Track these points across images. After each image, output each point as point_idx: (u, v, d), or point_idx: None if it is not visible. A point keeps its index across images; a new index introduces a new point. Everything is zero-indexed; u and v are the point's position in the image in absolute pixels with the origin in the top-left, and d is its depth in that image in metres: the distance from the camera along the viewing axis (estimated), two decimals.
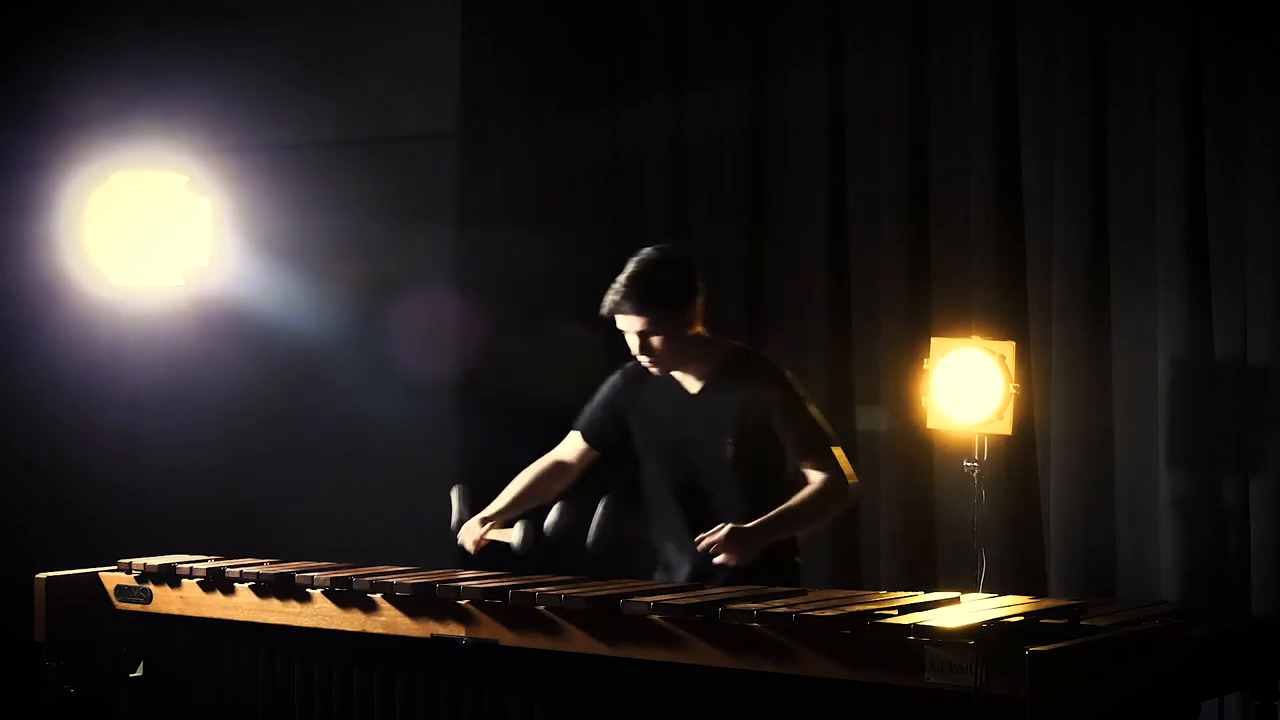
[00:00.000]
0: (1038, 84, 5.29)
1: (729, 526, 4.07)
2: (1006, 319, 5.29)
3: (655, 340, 4.22)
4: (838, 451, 4.23)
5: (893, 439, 5.51)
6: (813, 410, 4.25)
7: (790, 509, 4.15)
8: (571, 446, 4.51)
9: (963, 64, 5.44)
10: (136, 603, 4.51)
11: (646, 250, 4.29)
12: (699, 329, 4.28)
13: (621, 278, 4.22)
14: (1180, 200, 4.99)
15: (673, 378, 4.32)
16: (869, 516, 5.58)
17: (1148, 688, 3.47)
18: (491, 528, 4.39)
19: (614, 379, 4.45)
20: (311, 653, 4.22)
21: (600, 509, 4.21)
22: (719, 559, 4.08)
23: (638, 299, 4.19)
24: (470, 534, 4.40)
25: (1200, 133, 4.97)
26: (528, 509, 4.45)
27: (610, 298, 4.21)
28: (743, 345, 4.38)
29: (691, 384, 4.31)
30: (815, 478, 4.19)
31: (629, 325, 4.23)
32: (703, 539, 4.08)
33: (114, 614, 4.54)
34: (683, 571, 4.31)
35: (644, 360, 4.26)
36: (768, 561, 4.16)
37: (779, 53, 5.80)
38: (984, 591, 4.66)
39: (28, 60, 6.17)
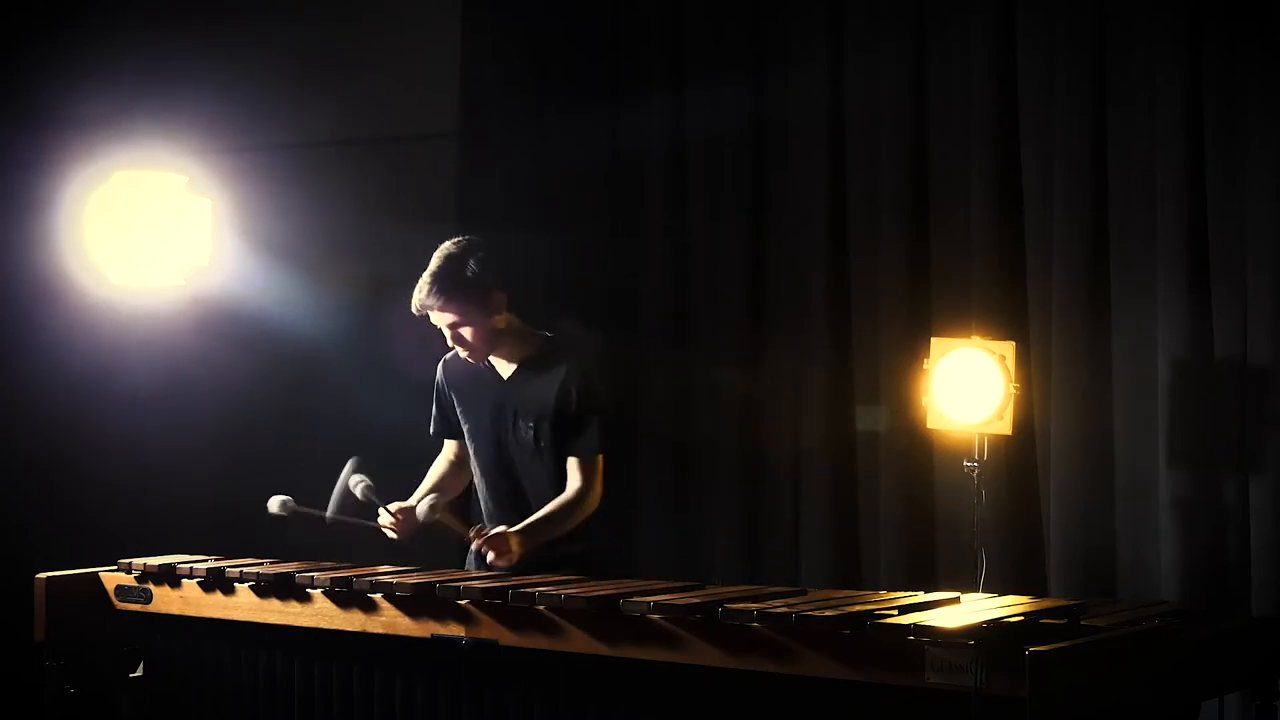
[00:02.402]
0: (1038, 84, 5.29)
1: (496, 531, 4.29)
2: (1006, 319, 5.28)
3: (466, 331, 4.43)
4: (599, 461, 4.43)
5: (893, 439, 5.51)
6: (600, 414, 4.44)
7: (546, 516, 4.38)
8: (446, 449, 4.76)
9: (963, 64, 5.44)
10: (136, 603, 4.51)
11: (444, 245, 4.49)
12: (507, 316, 4.48)
13: (425, 276, 4.42)
14: (1180, 200, 4.99)
15: (490, 362, 4.54)
16: (869, 516, 5.59)
17: (1148, 688, 3.48)
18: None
19: (437, 376, 4.68)
20: (311, 653, 4.22)
21: (347, 472, 4.47)
22: (490, 559, 4.29)
23: (442, 294, 4.39)
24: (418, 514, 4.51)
25: (1200, 133, 4.97)
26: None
27: (417, 297, 4.42)
28: (554, 337, 4.57)
29: (505, 368, 4.54)
30: (573, 483, 4.41)
31: (439, 321, 4.44)
32: (476, 540, 4.31)
33: (114, 614, 4.55)
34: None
35: (461, 352, 4.49)
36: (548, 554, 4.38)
37: (779, 53, 5.80)
38: (984, 591, 4.66)
39: (28, 60, 6.17)
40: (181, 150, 5.63)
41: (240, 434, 6.37)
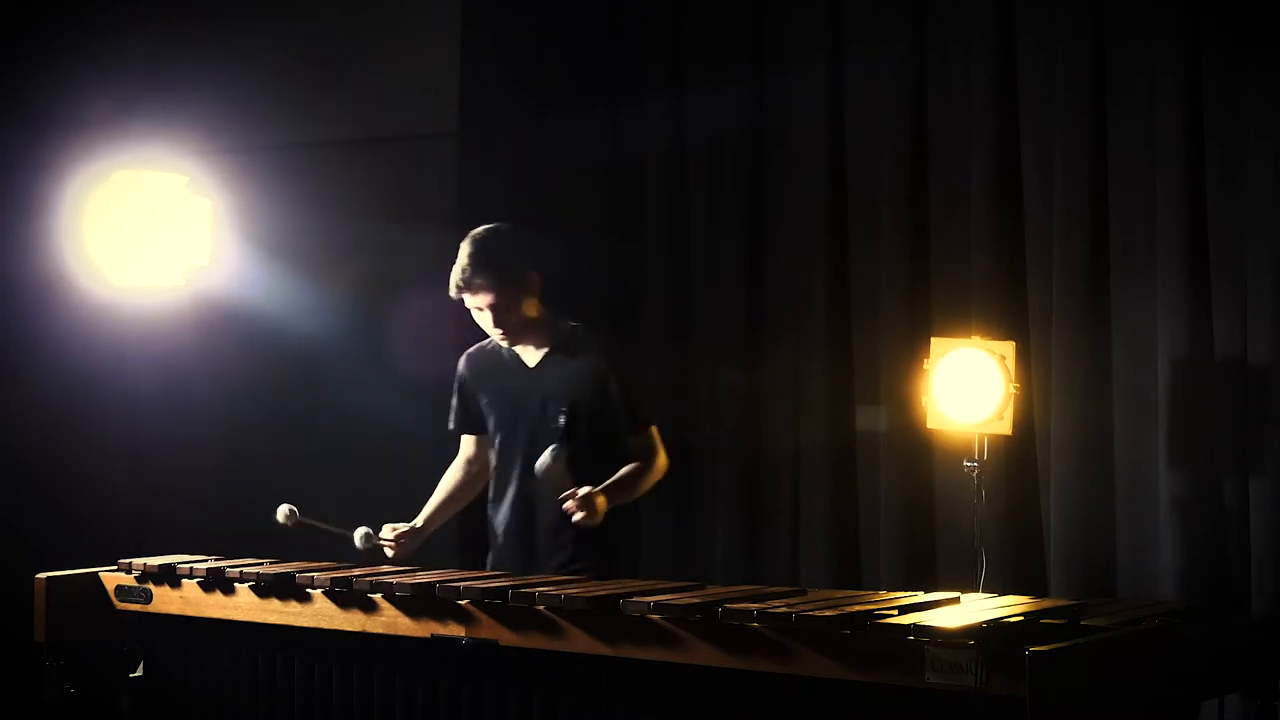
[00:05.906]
0: (1038, 84, 5.28)
1: (586, 489, 4.34)
2: (1006, 319, 5.28)
3: (503, 313, 4.49)
4: (655, 431, 4.59)
5: (893, 439, 5.51)
6: (640, 389, 4.60)
7: (624, 478, 4.48)
8: (464, 447, 4.80)
9: (963, 64, 5.44)
10: (136, 603, 4.51)
11: (478, 230, 4.56)
12: (538, 304, 4.57)
13: (464, 258, 4.48)
14: (1180, 200, 4.99)
15: (515, 352, 4.60)
16: (869, 516, 5.58)
17: (1147, 688, 3.48)
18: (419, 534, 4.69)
19: (459, 370, 4.73)
20: (311, 653, 4.22)
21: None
22: (577, 518, 4.32)
23: (483, 274, 4.45)
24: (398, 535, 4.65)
25: (1200, 132, 4.96)
26: (451, 515, 4.81)
27: (457, 277, 4.47)
28: (580, 325, 4.63)
29: (531, 357, 4.60)
30: (638, 453, 4.54)
31: (480, 301, 4.50)
32: (566, 500, 4.33)
33: (114, 614, 4.55)
34: (505, 535, 4.59)
35: (496, 333, 4.54)
36: (605, 533, 4.44)
37: (779, 53, 5.80)
38: (984, 591, 4.66)
39: (29, 61, 6.18)
40: (181, 150, 5.63)
41: (240, 434, 6.38)
